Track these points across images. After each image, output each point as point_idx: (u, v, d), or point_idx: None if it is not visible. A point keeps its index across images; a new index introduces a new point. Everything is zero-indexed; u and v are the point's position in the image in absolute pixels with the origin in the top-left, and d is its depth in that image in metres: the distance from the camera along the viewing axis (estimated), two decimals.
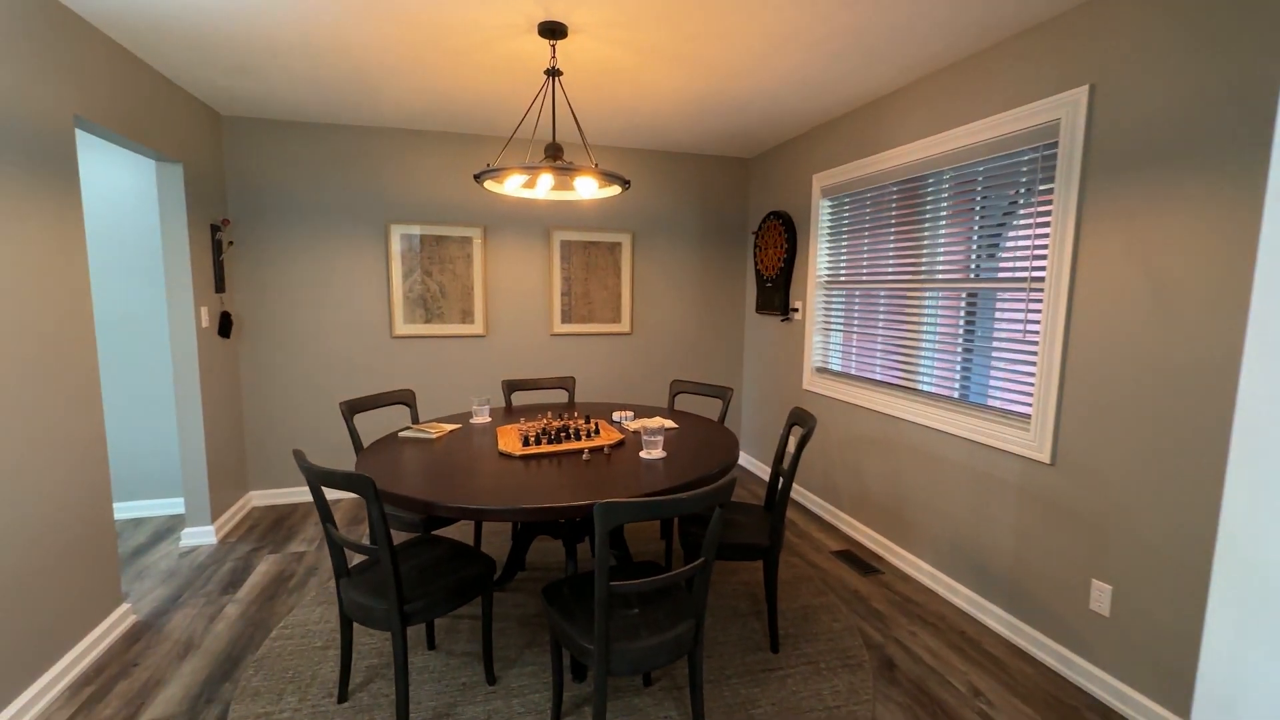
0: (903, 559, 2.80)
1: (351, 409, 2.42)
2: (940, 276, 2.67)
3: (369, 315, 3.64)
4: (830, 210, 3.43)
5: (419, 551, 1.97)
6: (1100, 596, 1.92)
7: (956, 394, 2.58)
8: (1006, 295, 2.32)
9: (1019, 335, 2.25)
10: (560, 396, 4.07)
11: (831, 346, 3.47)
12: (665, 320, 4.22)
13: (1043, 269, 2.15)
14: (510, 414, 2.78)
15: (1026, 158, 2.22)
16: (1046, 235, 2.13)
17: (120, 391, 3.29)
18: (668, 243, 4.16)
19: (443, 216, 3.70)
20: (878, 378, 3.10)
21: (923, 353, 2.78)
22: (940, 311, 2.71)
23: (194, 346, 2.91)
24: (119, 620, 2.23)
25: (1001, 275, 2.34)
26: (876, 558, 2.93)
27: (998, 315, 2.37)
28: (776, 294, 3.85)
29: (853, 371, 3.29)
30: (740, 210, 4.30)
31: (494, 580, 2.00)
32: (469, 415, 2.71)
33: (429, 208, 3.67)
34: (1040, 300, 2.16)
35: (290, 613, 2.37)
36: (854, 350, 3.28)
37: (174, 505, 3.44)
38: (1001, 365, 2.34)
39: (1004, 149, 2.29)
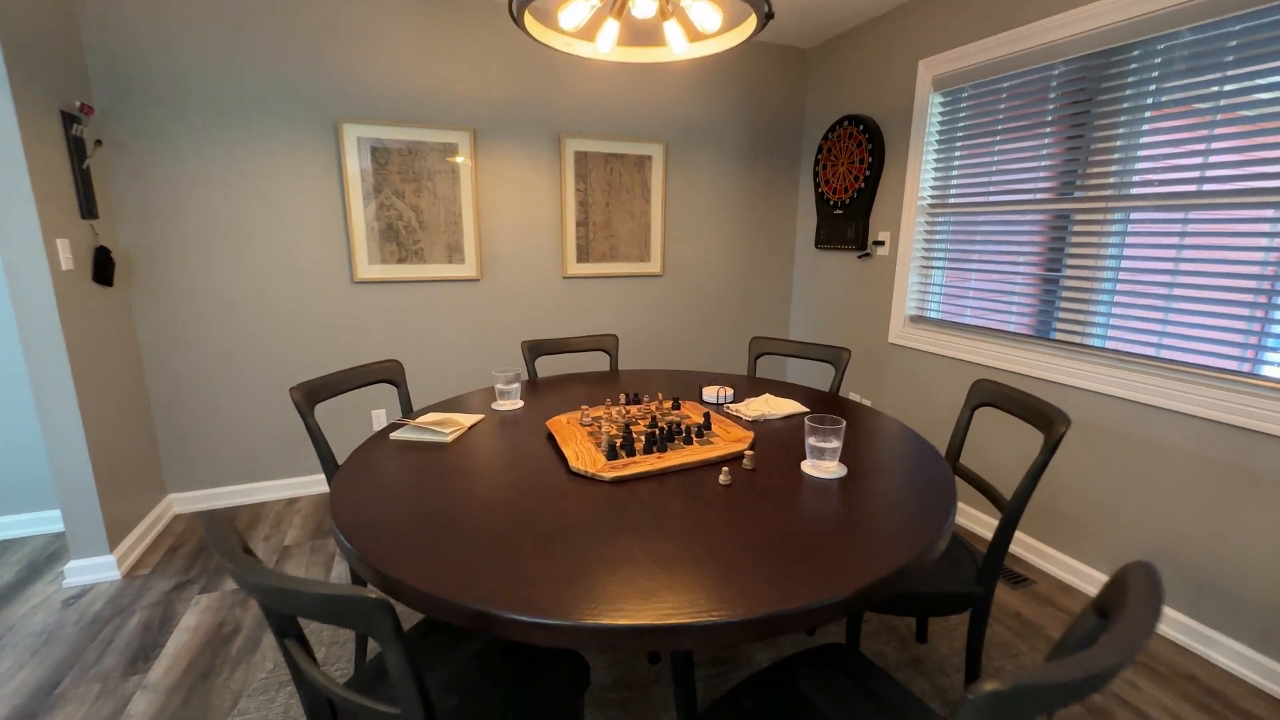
0: (1056, 563, 2.19)
1: (309, 398, 1.54)
2: (1147, 191, 1.92)
3: (319, 253, 2.66)
4: (943, 109, 2.61)
5: (440, 647, 1.17)
6: None
7: (1168, 353, 1.89)
8: None
9: None
10: (597, 362, 3.23)
11: (931, 289, 2.74)
12: (704, 258, 3.38)
13: None
14: (536, 388, 1.95)
15: None
16: None
17: None
18: (707, 158, 3.26)
19: (416, 113, 2.69)
20: (1011, 329, 2.40)
21: (1100, 296, 2.07)
22: (1131, 240, 1.99)
23: (50, 297, 1.92)
24: None
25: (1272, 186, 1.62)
26: (1014, 559, 2.31)
27: (1262, 243, 1.66)
28: (850, 224, 3.06)
29: (967, 320, 2.58)
30: (794, 116, 3.42)
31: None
32: (487, 397, 1.86)
33: (397, 100, 2.65)
34: None
35: (235, 707, 1.56)
36: (971, 294, 2.55)
37: (59, 520, 2.50)
38: (1265, 313, 1.65)
39: None
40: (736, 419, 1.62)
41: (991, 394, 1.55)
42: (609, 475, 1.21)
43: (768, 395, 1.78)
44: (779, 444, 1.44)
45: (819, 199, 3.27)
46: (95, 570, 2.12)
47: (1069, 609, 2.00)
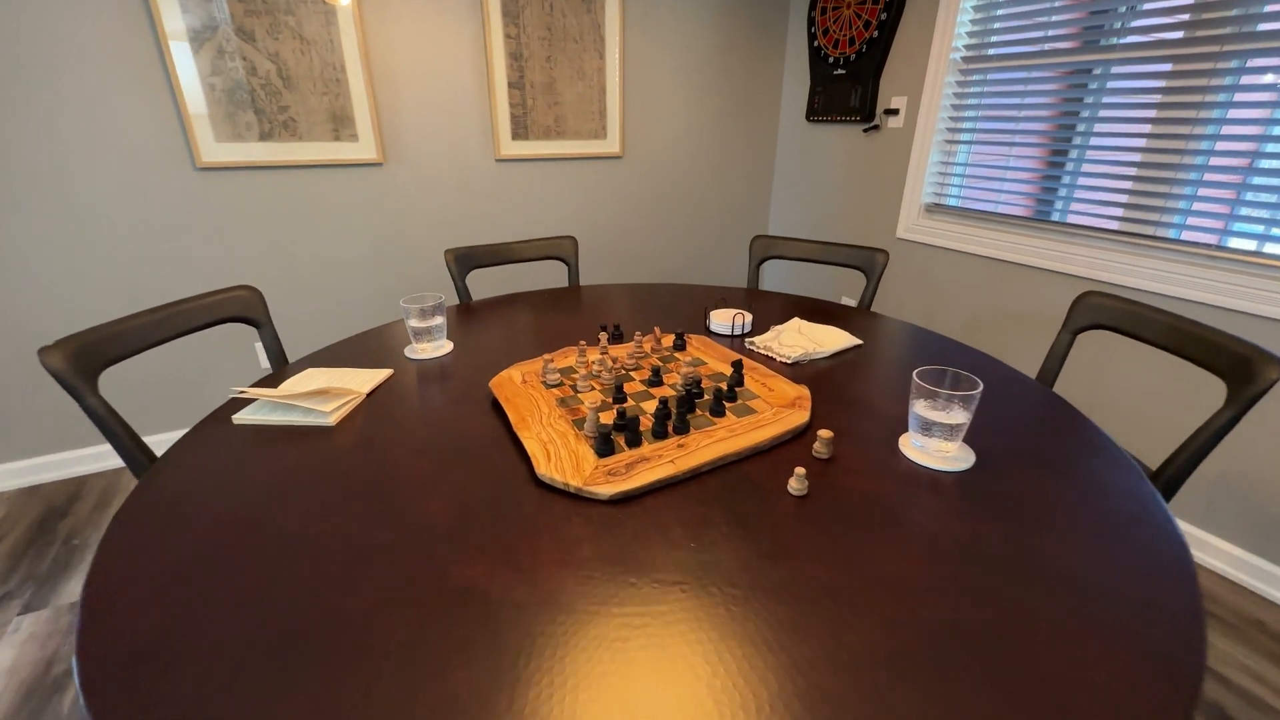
0: None
1: (81, 363, 0.92)
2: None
3: (139, 128, 1.84)
4: None
5: None
6: None
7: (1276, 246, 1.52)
8: None
9: None
10: (549, 275, 2.60)
11: (954, 170, 2.25)
12: (674, 134, 2.72)
13: None
14: (470, 318, 1.39)
15: None
16: None
17: None
18: None
19: None
20: (1056, 218, 1.97)
21: (1188, 174, 1.64)
22: (1242, 98, 1.53)
23: None
24: None
25: None
26: None
27: None
28: (855, 87, 2.46)
29: (1000, 210, 2.13)
30: None
31: None
32: (397, 338, 1.28)
33: None
34: None
35: None
36: (1009, 175, 2.08)
37: None
38: None
39: None
40: (768, 359, 1.13)
41: (1117, 315, 1.12)
42: (606, 490, 0.72)
43: (799, 321, 1.29)
44: (844, 403, 0.97)
45: (814, 55, 2.61)
46: None
47: None
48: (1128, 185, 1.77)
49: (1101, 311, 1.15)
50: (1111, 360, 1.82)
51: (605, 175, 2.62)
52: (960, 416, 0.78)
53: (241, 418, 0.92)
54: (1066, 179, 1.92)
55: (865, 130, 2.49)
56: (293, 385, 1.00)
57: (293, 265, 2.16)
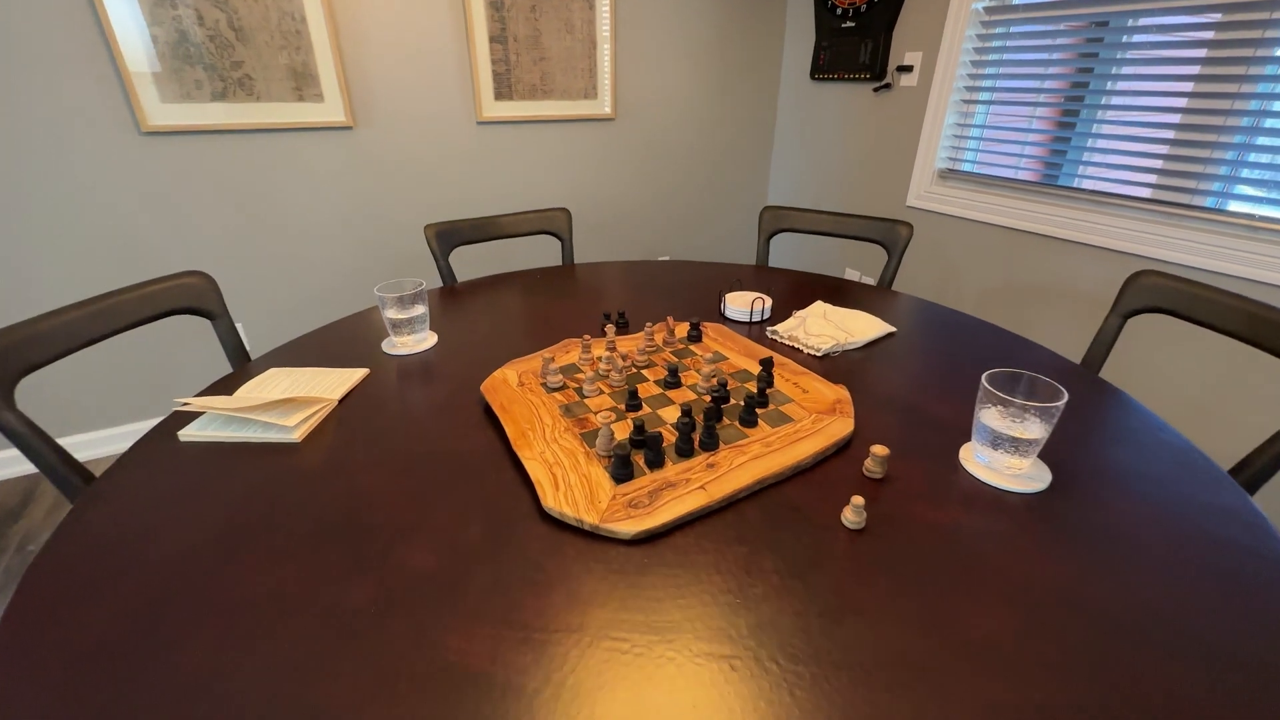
0: None
1: None
2: None
3: (75, 87, 1.63)
4: None
5: None
6: None
7: None
8: None
9: None
10: (540, 252, 2.43)
11: (971, 132, 2.11)
12: (668, 93, 2.52)
13: None
14: (455, 303, 1.25)
15: None
16: None
17: None
18: None
19: None
20: (1082, 184, 1.85)
21: (1232, 138, 1.52)
22: None
23: None
24: None
25: None
26: None
27: None
28: (865, 42, 2.28)
29: (1020, 176, 2.00)
30: None
31: None
32: (371, 329, 1.14)
33: None
34: None
35: None
36: (1029, 139, 1.94)
37: None
38: None
39: None
40: (793, 351, 1.01)
41: (1177, 298, 1.01)
42: (629, 528, 0.60)
43: (823, 305, 1.16)
44: (887, 405, 0.85)
45: (820, 5, 2.42)
46: None
47: None
48: (1163, 150, 1.64)
49: (1159, 293, 1.04)
50: (1143, 344, 1.73)
51: (597, 139, 2.43)
52: (1036, 430, 0.67)
53: (189, 434, 0.78)
54: (1095, 143, 1.79)
55: (875, 89, 2.32)
56: (252, 390, 0.86)
57: (253, 243, 1.97)
